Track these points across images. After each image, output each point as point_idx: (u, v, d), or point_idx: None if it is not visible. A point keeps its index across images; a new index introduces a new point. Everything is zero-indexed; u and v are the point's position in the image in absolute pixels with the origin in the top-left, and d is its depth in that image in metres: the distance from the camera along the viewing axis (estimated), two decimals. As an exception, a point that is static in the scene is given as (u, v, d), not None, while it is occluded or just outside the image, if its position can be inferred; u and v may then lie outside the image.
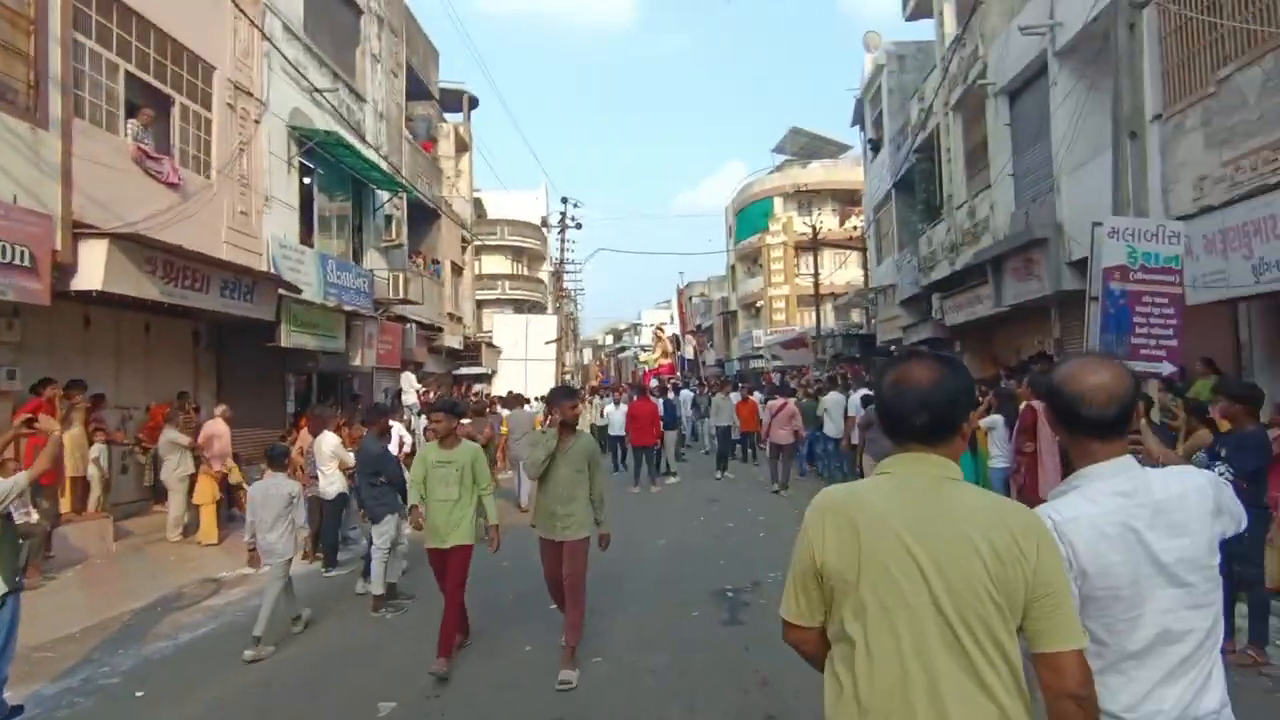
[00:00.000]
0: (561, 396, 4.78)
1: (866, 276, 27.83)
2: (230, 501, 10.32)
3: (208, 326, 10.99)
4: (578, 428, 4.81)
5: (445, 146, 23.18)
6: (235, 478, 9.61)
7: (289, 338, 11.49)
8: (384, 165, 15.32)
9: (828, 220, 34.02)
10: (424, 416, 13.06)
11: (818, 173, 38.48)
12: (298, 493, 5.62)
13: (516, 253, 39.75)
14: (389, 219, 16.09)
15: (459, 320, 22.86)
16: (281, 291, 11.09)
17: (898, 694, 1.39)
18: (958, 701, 1.36)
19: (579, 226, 28.29)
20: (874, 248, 24.76)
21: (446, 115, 24.47)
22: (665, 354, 36.16)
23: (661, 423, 12.66)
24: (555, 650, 4.60)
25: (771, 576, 6.43)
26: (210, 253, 9.39)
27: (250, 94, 10.84)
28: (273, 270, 11.02)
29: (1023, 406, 6.63)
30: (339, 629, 5.66)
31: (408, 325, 17.30)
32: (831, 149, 40.62)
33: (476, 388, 23.83)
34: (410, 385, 16.69)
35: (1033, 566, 1.38)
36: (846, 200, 37.65)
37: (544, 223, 31.24)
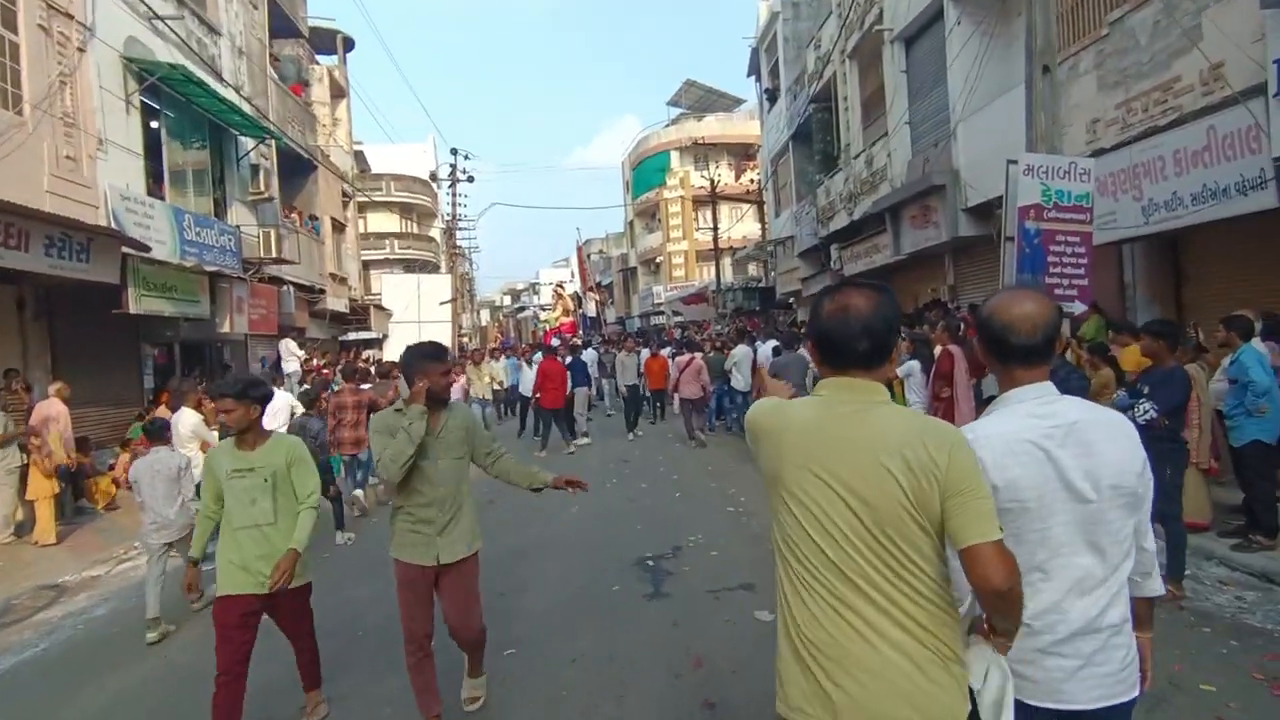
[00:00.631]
0: (425, 359, 3.20)
1: (764, 230, 28.00)
2: (76, 493, 9.08)
3: (35, 292, 9.46)
4: (467, 393, 3.78)
5: (319, 91, 21.21)
6: (56, 458, 8.13)
7: (139, 303, 10.11)
8: (246, 108, 13.71)
9: (724, 175, 33.91)
10: (305, 385, 12.00)
11: (713, 126, 38.28)
12: (186, 465, 5.33)
13: (405, 210, 37.62)
14: (256, 169, 14.48)
15: (343, 281, 21.28)
16: (126, 250, 9.67)
17: (830, 612, 1.51)
18: (889, 604, 1.47)
19: (471, 180, 26.88)
20: (772, 200, 24.81)
21: (319, 58, 22.38)
22: (566, 312, 35.36)
23: (570, 382, 12.12)
24: (460, 654, 3.61)
25: (692, 540, 6.11)
26: (28, 204, 7.96)
27: (69, 16, 9.20)
28: (113, 225, 9.56)
29: (938, 352, 6.52)
30: (205, 635, 4.88)
31: (284, 287, 15.82)
32: (726, 102, 40.53)
33: (366, 353, 22.42)
34: (290, 352, 15.36)
35: (944, 471, 1.44)
36: (742, 154, 37.76)
37: (433, 177, 29.47)
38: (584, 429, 12.59)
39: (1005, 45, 10.83)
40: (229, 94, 13.09)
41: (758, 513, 6.95)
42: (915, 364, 6.77)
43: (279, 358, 15.54)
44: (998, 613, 1.50)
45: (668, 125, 41.26)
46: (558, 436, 11.84)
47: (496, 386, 14.77)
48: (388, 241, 35.45)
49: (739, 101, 40.08)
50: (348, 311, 21.36)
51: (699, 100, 40.30)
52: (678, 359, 12.62)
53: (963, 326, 7.25)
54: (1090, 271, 5.74)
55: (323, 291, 18.85)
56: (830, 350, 1.62)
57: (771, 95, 22.47)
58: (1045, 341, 1.72)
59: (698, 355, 12.55)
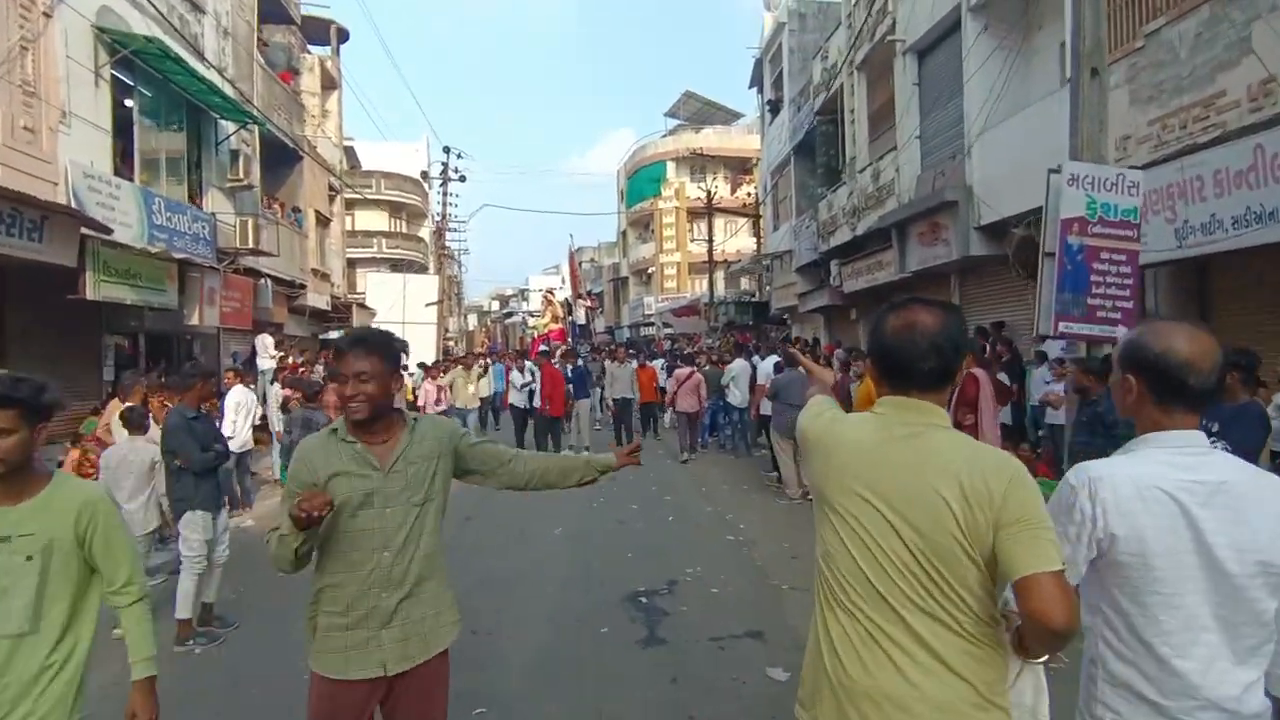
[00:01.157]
0: (355, 347, 2.08)
1: (759, 243, 27.61)
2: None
3: (-17, 272, 8.76)
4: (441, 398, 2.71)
5: (309, 81, 20.59)
6: None
7: (98, 289, 9.40)
8: (228, 90, 13.05)
9: (720, 188, 33.56)
10: (277, 384, 11.31)
11: (711, 138, 37.96)
12: (160, 458, 4.99)
13: (395, 209, 36.93)
14: (236, 155, 13.80)
15: (326, 278, 20.57)
16: (86, 231, 8.98)
17: (866, 639, 1.44)
18: (931, 637, 1.39)
19: (463, 179, 26.20)
20: (770, 213, 24.40)
21: (312, 47, 21.80)
22: (555, 319, 34.72)
23: (570, 392, 11.57)
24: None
25: (689, 573, 5.50)
26: (-26, 175, 7.30)
27: (35, -22, 8.56)
28: (73, 204, 8.88)
29: (963, 376, 5.99)
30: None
31: (261, 280, 15.12)
32: (724, 115, 40.28)
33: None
34: (266, 349, 14.64)
35: (999, 503, 1.35)
36: (738, 168, 37.47)
37: (424, 176, 28.85)
38: (587, 442, 12.00)
39: (1026, 60, 10.44)
40: (211, 75, 12.44)
41: (758, 542, 6.38)
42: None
43: (253, 353, 14.83)
44: (1045, 649, 1.42)
45: (665, 135, 40.91)
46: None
47: (485, 394, 14.07)
48: (375, 240, 34.75)
49: (737, 115, 39.87)
50: (329, 309, 20.63)
51: (697, 112, 40.03)
52: (676, 372, 12.11)
53: (987, 348, 6.72)
54: (1136, 294, 5.25)
55: (303, 287, 18.13)
56: (893, 369, 1.53)
57: (774, 107, 22.09)
58: (1219, 383, 1.53)
59: (695, 369, 12.05)
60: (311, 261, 19.04)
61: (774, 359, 9.81)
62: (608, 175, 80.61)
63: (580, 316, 32.06)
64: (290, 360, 15.65)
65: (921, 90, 12.84)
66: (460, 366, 13.33)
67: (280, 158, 17.43)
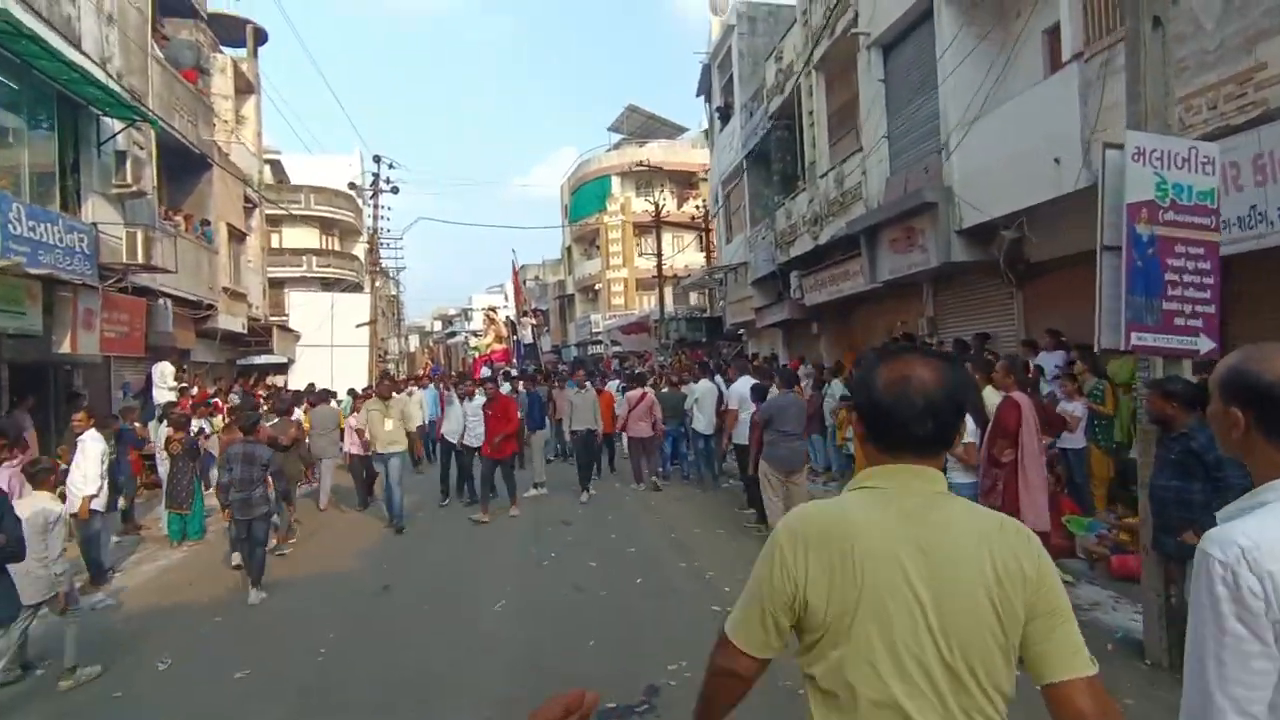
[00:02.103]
0: None
1: (708, 258, 26.67)
2: None
3: None
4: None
5: (221, 83, 18.81)
6: None
7: (-78, 312, 7.64)
8: (113, 84, 11.32)
9: (667, 202, 32.64)
10: (165, 421, 9.55)
11: (656, 153, 37.08)
12: (56, 517, 4.52)
13: (326, 225, 34.80)
14: (123, 156, 11.98)
15: (241, 297, 18.62)
16: (-96, 241, 7.26)
17: None
18: None
19: (395, 190, 24.45)
20: (722, 225, 23.46)
21: (225, 48, 20.01)
22: (499, 338, 32.98)
23: (525, 423, 10.04)
24: None
25: (672, 671, 4.15)
26: None
27: None
28: (-115, 207, 7.15)
29: (1000, 400, 4.86)
30: None
31: (159, 301, 13.26)
32: (669, 130, 39.55)
33: (273, 380, 19.73)
34: (164, 379, 12.82)
35: (1034, 585, 1.19)
36: (684, 183, 36.73)
37: (352, 186, 26.96)
38: (542, 478, 10.46)
39: (1006, 49, 9.61)
40: (88, 65, 10.70)
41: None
42: (969, 424, 5.08)
43: (148, 384, 12.98)
44: None
45: (609, 150, 39.90)
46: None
47: (411, 429, 12.04)
48: (305, 258, 32.58)
49: (682, 129, 39.25)
50: (245, 332, 18.67)
51: (641, 126, 39.18)
52: (628, 394, 10.77)
53: (1029, 367, 5.63)
54: (1218, 296, 4.24)
55: (213, 307, 16.23)
56: (884, 429, 1.28)
57: (724, 114, 21.20)
58: None
59: (649, 390, 10.79)
60: (223, 279, 17.13)
61: (748, 380, 8.56)
62: (551, 192, 79.40)
63: (526, 335, 30.55)
64: (198, 390, 13.84)
65: (889, 87, 11.97)
66: (375, 398, 9.61)
67: (185, 165, 15.63)
